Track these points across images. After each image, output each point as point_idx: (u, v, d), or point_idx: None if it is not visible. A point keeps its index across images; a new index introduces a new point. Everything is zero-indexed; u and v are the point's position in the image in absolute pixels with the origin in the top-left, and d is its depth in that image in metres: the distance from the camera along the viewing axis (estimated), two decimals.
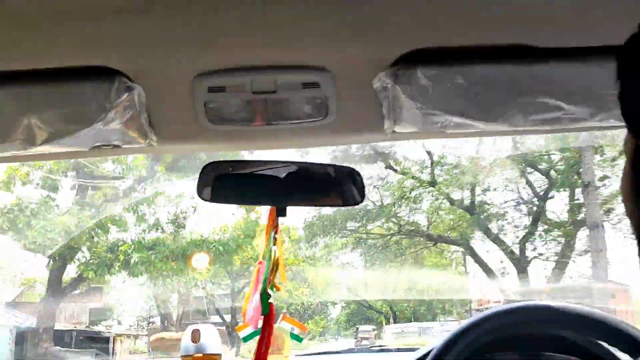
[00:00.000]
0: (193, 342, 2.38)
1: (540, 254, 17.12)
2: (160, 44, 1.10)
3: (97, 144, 1.29)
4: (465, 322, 1.61)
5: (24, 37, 1.06)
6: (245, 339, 2.44)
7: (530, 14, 1.06)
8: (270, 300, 1.45)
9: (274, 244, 1.48)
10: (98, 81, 1.16)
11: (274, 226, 1.49)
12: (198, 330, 2.42)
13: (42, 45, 1.09)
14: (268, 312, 1.44)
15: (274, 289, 1.46)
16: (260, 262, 1.49)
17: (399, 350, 2.86)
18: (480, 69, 1.16)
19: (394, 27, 1.09)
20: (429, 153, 16.71)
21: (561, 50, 1.14)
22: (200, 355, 2.37)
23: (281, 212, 1.48)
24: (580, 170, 15.09)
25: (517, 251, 16.91)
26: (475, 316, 1.59)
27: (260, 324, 1.48)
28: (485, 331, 1.56)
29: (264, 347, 1.47)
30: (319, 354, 2.98)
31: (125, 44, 1.10)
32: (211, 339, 2.41)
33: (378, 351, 2.96)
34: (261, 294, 1.44)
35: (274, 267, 1.45)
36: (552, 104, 1.19)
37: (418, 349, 2.03)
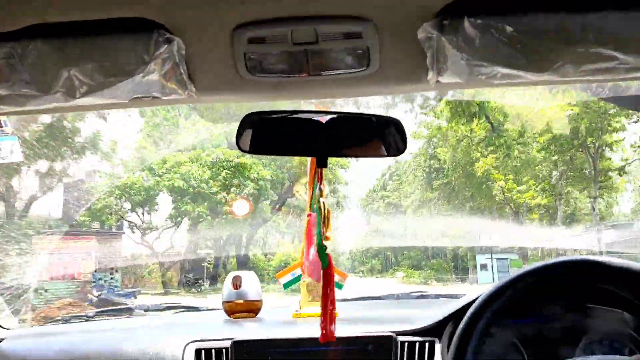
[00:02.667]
0: (234, 288, 2.42)
1: None
2: None
3: (137, 96, 1.29)
4: (515, 272, 1.60)
5: None
6: (286, 286, 2.49)
7: None
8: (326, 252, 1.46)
9: (320, 195, 1.47)
10: (137, 33, 1.15)
11: (318, 177, 1.48)
12: (239, 276, 2.45)
13: None
14: (327, 265, 1.45)
15: (326, 239, 1.46)
16: (309, 215, 1.49)
17: (438, 296, 2.87)
18: (529, 18, 1.12)
19: None
20: None
21: None
22: (242, 301, 2.41)
23: (322, 163, 1.47)
24: None
25: None
26: (526, 267, 1.59)
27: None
28: (533, 281, 1.56)
29: (329, 300, 1.48)
30: (361, 299, 3.00)
31: None
32: (252, 285, 2.45)
33: (418, 297, 2.97)
34: (318, 249, 1.44)
35: (325, 219, 1.45)
36: (606, 54, 1.14)
37: (463, 295, 2.04)
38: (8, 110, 1.31)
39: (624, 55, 1.15)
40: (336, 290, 2.32)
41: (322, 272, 1.46)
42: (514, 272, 1.62)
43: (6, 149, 1.79)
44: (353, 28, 1.17)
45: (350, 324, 2.02)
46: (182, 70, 1.25)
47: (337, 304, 2.38)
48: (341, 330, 1.45)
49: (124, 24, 1.14)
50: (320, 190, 1.48)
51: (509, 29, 1.12)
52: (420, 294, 2.95)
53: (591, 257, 1.50)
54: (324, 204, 1.46)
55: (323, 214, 1.45)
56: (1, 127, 1.63)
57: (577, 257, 1.52)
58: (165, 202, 23.02)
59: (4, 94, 1.23)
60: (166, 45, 1.17)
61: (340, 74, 1.31)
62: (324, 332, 1.46)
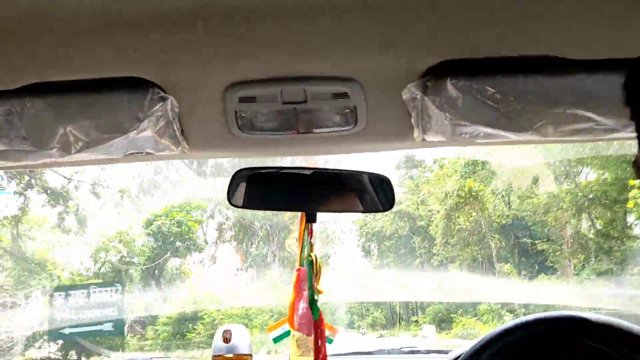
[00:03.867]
0: (224, 342, 2.41)
1: None
2: (193, 56, 1.12)
3: (131, 152, 1.32)
4: (497, 328, 1.60)
5: (62, 50, 1.09)
6: (276, 340, 2.48)
7: (560, 26, 1.06)
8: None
9: (311, 250, 1.49)
10: (132, 92, 1.19)
11: (308, 232, 1.50)
12: (229, 330, 2.44)
13: (79, 57, 1.12)
14: (318, 318, 1.46)
15: (317, 293, 1.48)
16: (298, 269, 1.50)
17: (429, 352, 2.86)
18: (510, 80, 1.16)
19: (423, 39, 1.09)
20: None
21: (592, 62, 1.13)
22: (232, 355, 2.39)
23: (311, 218, 1.50)
24: None
25: None
26: (508, 323, 1.59)
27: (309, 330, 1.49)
28: (519, 336, 1.56)
29: (321, 352, 1.48)
30: (351, 354, 2.99)
31: (159, 57, 1.13)
32: (242, 339, 2.43)
33: (409, 352, 2.96)
34: (310, 301, 1.45)
35: (317, 272, 1.47)
36: (584, 115, 1.18)
37: (450, 351, 2.03)
38: (5, 165, 1.34)
39: (601, 117, 1.19)
40: (327, 345, 2.32)
41: (312, 325, 1.47)
42: (500, 326, 1.63)
43: (2, 202, 1.82)
44: (340, 88, 1.21)
45: None
46: (175, 128, 1.28)
47: (329, 359, 2.38)
48: None
49: (119, 82, 1.18)
50: (311, 244, 1.50)
51: (490, 90, 1.16)
52: (410, 349, 2.94)
53: (577, 314, 1.51)
54: (315, 257, 1.48)
55: (315, 268, 1.47)
56: None
57: (563, 313, 1.53)
58: None
59: (2, 149, 1.26)
60: (160, 104, 1.20)
61: (328, 132, 1.35)
62: None
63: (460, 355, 1.65)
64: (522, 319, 1.55)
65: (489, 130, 1.24)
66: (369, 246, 27.97)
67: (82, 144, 1.25)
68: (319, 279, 1.49)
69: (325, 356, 1.48)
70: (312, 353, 2.37)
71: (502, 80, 1.16)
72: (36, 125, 1.22)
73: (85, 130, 1.24)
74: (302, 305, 1.47)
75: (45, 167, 1.99)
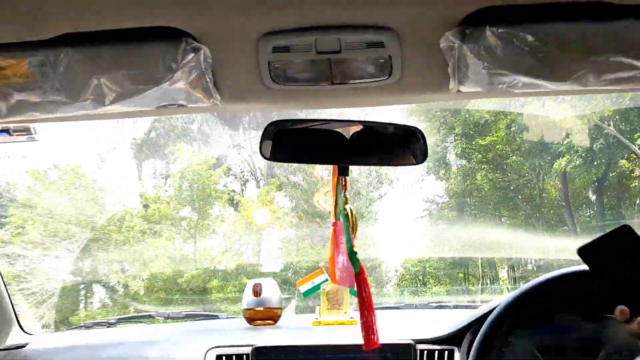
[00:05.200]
0: (254, 295, 2.44)
1: None
2: (227, 4, 1.11)
3: (163, 104, 1.32)
4: (530, 283, 1.60)
5: None
6: (306, 294, 2.51)
7: None
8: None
9: (346, 202, 1.49)
10: (165, 42, 1.18)
11: (342, 185, 1.49)
12: (259, 284, 2.47)
13: (112, 7, 1.11)
14: (360, 270, 1.46)
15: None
16: (334, 223, 1.50)
17: (457, 307, 2.86)
18: (551, 27, 1.12)
19: None
20: None
21: (637, 7, 1.09)
22: (262, 308, 2.43)
23: (344, 171, 1.49)
24: None
25: None
26: (541, 277, 1.58)
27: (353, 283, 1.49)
28: (550, 290, 1.55)
29: (368, 305, 1.48)
30: (380, 308, 3.00)
31: (193, 6, 1.11)
32: (272, 292, 2.46)
33: (436, 307, 2.97)
34: (349, 254, 1.45)
35: (354, 225, 1.47)
36: (627, 63, 1.15)
37: (479, 305, 2.04)
38: (39, 117, 1.34)
39: None
40: (352, 297, 2.34)
41: (354, 278, 1.47)
42: (529, 282, 1.62)
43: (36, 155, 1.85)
44: (376, 37, 1.19)
45: None
46: (207, 79, 1.27)
47: (354, 313, 2.40)
48: (359, 338, 1.46)
49: (152, 32, 1.17)
50: (345, 197, 1.49)
51: (529, 38, 1.13)
52: (438, 304, 2.95)
53: None
54: (351, 210, 1.47)
55: (351, 220, 1.47)
56: (31, 134, 1.67)
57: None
58: None
59: (36, 100, 1.27)
60: (193, 54, 1.19)
61: (363, 82, 1.33)
62: (366, 339, 1.47)
63: (493, 309, 1.65)
64: (559, 271, 1.54)
65: (528, 79, 1.21)
66: None
67: (115, 95, 1.25)
68: (355, 232, 1.48)
69: (371, 306, 1.48)
70: (341, 306, 2.40)
71: (542, 27, 1.13)
72: (69, 77, 1.22)
73: (118, 82, 1.23)
74: (342, 258, 1.47)
75: (78, 120, 1.99)
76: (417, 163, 1.51)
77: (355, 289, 1.46)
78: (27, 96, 1.26)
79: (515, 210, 17.29)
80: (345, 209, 1.47)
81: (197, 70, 1.23)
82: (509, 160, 16.69)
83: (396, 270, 17.51)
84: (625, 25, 1.11)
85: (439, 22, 1.16)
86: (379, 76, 1.30)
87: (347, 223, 1.46)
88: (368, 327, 1.47)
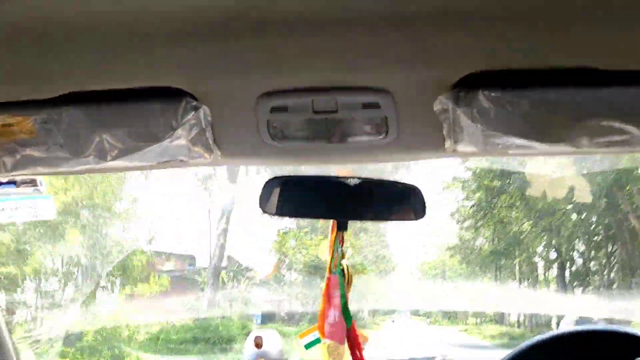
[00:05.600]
0: (256, 347, 2.43)
1: None
2: (227, 67, 1.14)
3: (165, 160, 1.35)
4: (536, 338, 1.59)
5: (99, 60, 1.12)
6: (307, 347, 2.49)
7: (594, 36, 1.04)
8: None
9: (343, 257, 1.50)
10: (166, 101, 1.21)
11: (340, 240, 1.51)
12: (260, 336, 2.46)
13: (115, 67, 1.15)
14: (351, 325, 1.47)
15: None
16: (328, 277, 1.51)
17: None
18: (543, 91, 1.15)
19: (455, 50, 1.09)
20: None
21: (627, 73, 1.11)
22: None
23: (343, 226, 1.51)
24: None
25: None
26: (548, 334, 1.58)
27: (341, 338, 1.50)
28: (558, 351, 1.54)
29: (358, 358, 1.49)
30: None
31: (194, 67, 1.15)
32: (273, 345, 2.45)
33: None
34: (343, 309, 1.46)
35: (349, 280, 1.48)
36: (618, 127, 1.16)
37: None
38: (43, 171, 1.38)
39: (635, 129, 1.18)
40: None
41: (344, 333, 1.48)
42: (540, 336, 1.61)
43: (41, 207, 1.88)
44: (372, 98, 1.22)
45: None
46: (208, 136, 1.30)
47: None
48: None
49: (154, 92, 1.20)
50: (342, 252, 1.51)
51: (522, 101, 1.15)
52: (443, 358, 2.92)
53: (620, 329, 1.48)
54: (347, 266, 1.49)
55: (347, 276, 1.48)
56: (37, 186, 1.70)
57: (606, 327, 1.50)
58: None
59: (40, 156, 1.30)
60: (193, 112, 1.22)
61: (359, 141, 1.35)
62: None
63: None
64: (562, 331, 1.53)
65: (521, 141, 1.23)
66: None
67: (117, 151, 1.28)
68: (350, 286, 1.49)
69: (362, 357, 1.49)
70: None
71: (535, 91, 1.15)
72: (73, 134, 1.25)
73: (120, 139, 1.26)
74: (333, 312, 1.48)
75: (81, 174, 2.05)
76: (416, 219, 1.53)
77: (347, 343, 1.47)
78: (32, 151, 1.29)
79: None
80: (341, 264, 1.48)
81: (198, 127, 1.26)
82: None
83: None
84: (611, 91, 1.13)
85: (433, 85, 1.18)
86: (375, 135, 1.32)
87: (342, 278, 1.47)
88: None
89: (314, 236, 18.69)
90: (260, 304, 17.89)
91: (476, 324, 23.61)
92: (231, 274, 18.19)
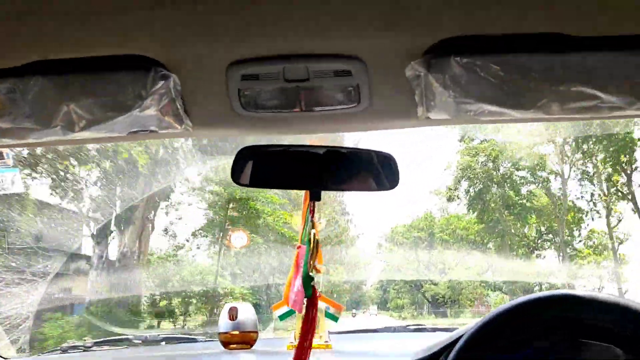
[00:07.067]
0: (230, 319, 2.43)
1: None
2: (196, 33, 1.12)
3: (134, 130, 1.33)
4: (502, 307, 1.61)
5: (65, 27, 1.10)
6: (282, 318, 2.50)
7: (564, 2, 1.04)
8: (312, 283, 1.48)
9: (312, 227, 1.49)
10: (135, 70, 1.19)
11: (310, 210, 1.50)
12: (235, 307, 2.46)
13: (82, 35, 1.12)
14: (311, 295, 1.47)
15: (315, 271, 1.48)
16: (299, 247, 1.51)
17: (435, 329, 2.86)
18: (514, 57, 1.15)
19: (426, 16, 1.08)
20: None
21: (597, 39, 1.11)
22: (237, 332, 2.42)
23: (316, 196, 1.50)
24: None
25: None
26: (513, 301, 1.59)
27: (303, 307, 1.50)
28: (522, 315, 1.56)
29: (309, 329, 1.49)
30: (355, 331, 3.00)
31: (162, 34, 1.13)
32: (248, 316, 2.45)
33: (414, 330, 2.97)
34: (303, 278, 1.46)
35: (314, 250, 1.47)
36: (588, 93, 1.17)
37: (456, 329, 2.04)
38: (9, 143, 1.35)
39: (606, 95, 1.18)
40: (332, 322, 2.34)
41: (305, 302, 1.48)
42: (502, 305, 1.63)
43: (7, 180, 1.84)
44: (343, 66, 1.21)
45: (346, 357, 2.02)
46: (178, 105, 1.28)
47: (333, 337, 2.39)
48: None
49: (122, 61, 1.18)
50: (313, 222, 1.50)
51: (494, 67, 1.15)
52: (416, 327, 2.95)
53: (577, 292, 1.50)
54: (314, 235, 1.48)
55: (312, 245, 1.47)
56: (3, 159, 1.66)
57: (563, 291, 1.52)
58: None
59: (6, 127, 1.27)
60: (163, 82, 1.20)
61: (331, 109, 1.34)
62: None
63: (464, 334, 1.65)
64: (529, 296, 1.55)
65: (493, 108, 1.23)
66: None
67: (85, 122, 1.26)
68: (316, 256, 1.49)
69: (313, 332, 1.49)
70: (317, 331, 2.39)
71: (506, 57, 1.15)
72: (39, 104, 1.22)
73: (88, 109, 1.24)
74: (299, 282, 1.47)
75: (48, 145, 2.01)
76: (390, 188, 1.52)
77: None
78: None
79: None
80: (309, 233, 1.48)
81: (167, 97, 1.24)
82: None
83: None
84: (584, 56, 1.13)
85: (405, 52, 1.17)
86: (347, 103, 1.32)
87: (308, 247, 1.47)
88: (301, 351, 1.48)
89: None
90: None
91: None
92: None
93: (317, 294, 1.49)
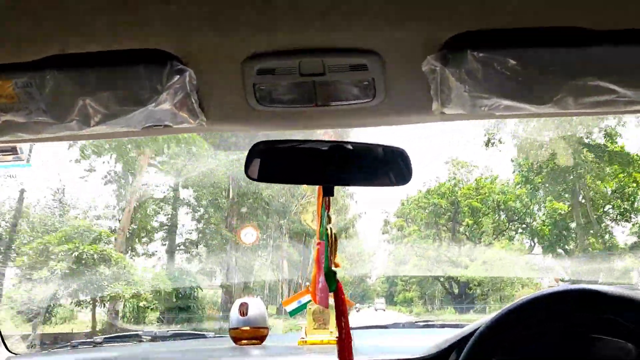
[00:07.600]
0: (241, 315, 2.43)
1: None
2: (212, 28, 1.12)
3: (149, 124, 1.33)
4: (515, 302, 1.60)
5: (82, 22, 1.10)
6: (292, 313, 2.50)
7: None
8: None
9: (328, 223, 1.49)
10: (151, 64, 1.19)
11: (325, 205, 1.50)
12: (246, 303, 2.47)
13: (99, 29, 1.12)
14: (335, 288, 1.47)
15: (335, 266, 1.49)
16: (318, 243, 1.51)
17: (443, 326, 2.86)
18: (530, 52, 1.14)
19: (443, 10, 1.08)
20: None
21: (615, 33, 1.11)
22: (248, 328, 2.42)
23: (329, 192, 1.49)
24: None
25: None
26: (525, 297, 1.59)
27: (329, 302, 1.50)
28: (534, 310, 1.56)
29: (344, 325, 1.49)
30: (364, 327, 3.00)
31: (178, 28, 1.12)
32: (258, 312, 2.46)
33: (423, 326, 2.97)
34: (326, 274, 1.46)
35: (333, 246, 1.47)
36: (605, 87, 1.17)
37: (465, 325, 2.04)
38: (25, 138, 1.35)
39: (623, 89, 1.18)
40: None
41: (328, 297, 1.48)
42: (516, 300, 1.62)
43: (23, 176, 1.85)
44: (359, 60, 1.21)
45: (357, 353, 2.02)
46: (193, 100, 1.28)
47: None
48: None
49: (138, 55, 1.18)
50: (328, 217, 1.50)
51: (510, 62, 1.15)
52: (425, 323, 2.95)
53: (591, 287, 1.50)
54: (331, 230, 1.48)
55: (330, 241, 1.47)
56: (17, 153, 1.67)
57: (576, 286, 1.52)
58: None
59: (21, 121, 1.27)
60: (178, 76, 1.20)
61: (347, 104, 1.34)
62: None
63: (478, 328, 1.65)
64: (542, 291, 1.54)
65: (509, 102, 1.23)
66: None
67: (101, 116, 1.26)
68: (334, 251, 1.48)
69: (347, 325, 1.49)
70: (327, 326, 2.40)
71: (523, 51, 1.15)
72: (55, 98, 1.22)
73: (104, 103, 1.24)
74: (322, 278, 1.47)
75: (64, 140, 2.01)
76: (402, 184, 1.52)
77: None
78: (12, 117, 1.26)
79: None
80: (326, 229, 1.47)
81: (183, 91, 1.24)
82: None
83: None
84: (602, 50, 1.13)
85: (421, 46, 1.17)
86: (362, 98, 1.32)
87: (327, 243, 1.46)
88: (344, 348, 1.48)
89: None
90: None
91: None
92: None
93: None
